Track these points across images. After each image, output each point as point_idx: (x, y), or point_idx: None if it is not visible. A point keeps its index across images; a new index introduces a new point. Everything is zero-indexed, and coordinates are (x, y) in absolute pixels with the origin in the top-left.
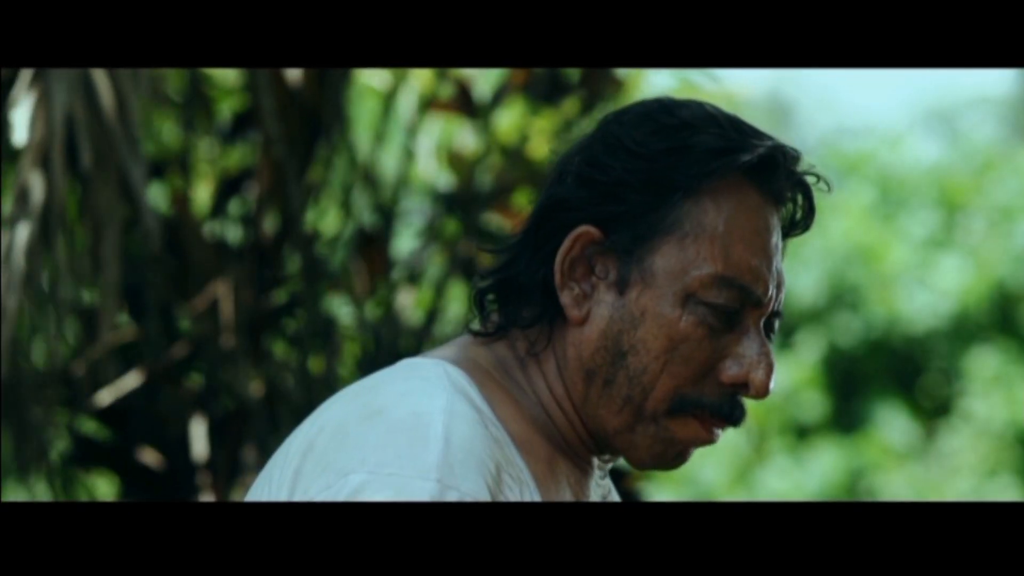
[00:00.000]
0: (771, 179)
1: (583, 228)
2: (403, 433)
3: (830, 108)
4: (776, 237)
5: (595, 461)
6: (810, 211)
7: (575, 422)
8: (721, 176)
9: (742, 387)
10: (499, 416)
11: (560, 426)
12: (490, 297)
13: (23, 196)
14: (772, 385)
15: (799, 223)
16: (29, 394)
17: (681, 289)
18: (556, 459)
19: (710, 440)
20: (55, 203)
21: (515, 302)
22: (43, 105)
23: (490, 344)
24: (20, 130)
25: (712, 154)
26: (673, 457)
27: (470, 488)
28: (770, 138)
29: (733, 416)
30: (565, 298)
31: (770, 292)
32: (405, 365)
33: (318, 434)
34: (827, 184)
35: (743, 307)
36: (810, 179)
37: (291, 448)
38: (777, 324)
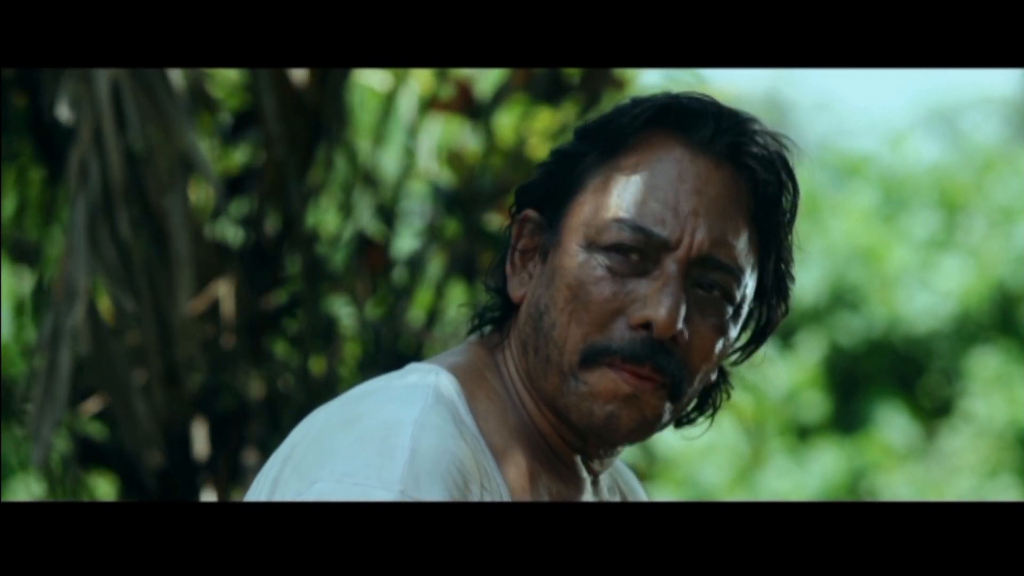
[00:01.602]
0: (692, 128)
1: (523, 213)
2: (372, 442)
3: (828, 109)
4: (705, 186)
5: (582, 469)
6: (771, 167)
7: (544, 409)
8: (635, 132)
9: (649, 328)
10: (481, 428)
11: (539, 423)
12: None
13: (82, 173)
14: (677, 323)
15: (768, 184)
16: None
17: (582, 239)
18: (538, 472)
19: (630, 392)
20: (113, 178)
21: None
22: (87, 82)
23: (492, 342)
24: (66, 109)
25: (624, 114)
26: (604, 418)
27: (433, 498)
28: (730, 109)
29: (652, 358)
30: (512, 282)
31: (681, 235)
32: (405, 371)
33: (301, 440)
34: (779, 142)
35: (653, 251)
36: (779, 146)
37: (278, 454)
38: (728, 283)
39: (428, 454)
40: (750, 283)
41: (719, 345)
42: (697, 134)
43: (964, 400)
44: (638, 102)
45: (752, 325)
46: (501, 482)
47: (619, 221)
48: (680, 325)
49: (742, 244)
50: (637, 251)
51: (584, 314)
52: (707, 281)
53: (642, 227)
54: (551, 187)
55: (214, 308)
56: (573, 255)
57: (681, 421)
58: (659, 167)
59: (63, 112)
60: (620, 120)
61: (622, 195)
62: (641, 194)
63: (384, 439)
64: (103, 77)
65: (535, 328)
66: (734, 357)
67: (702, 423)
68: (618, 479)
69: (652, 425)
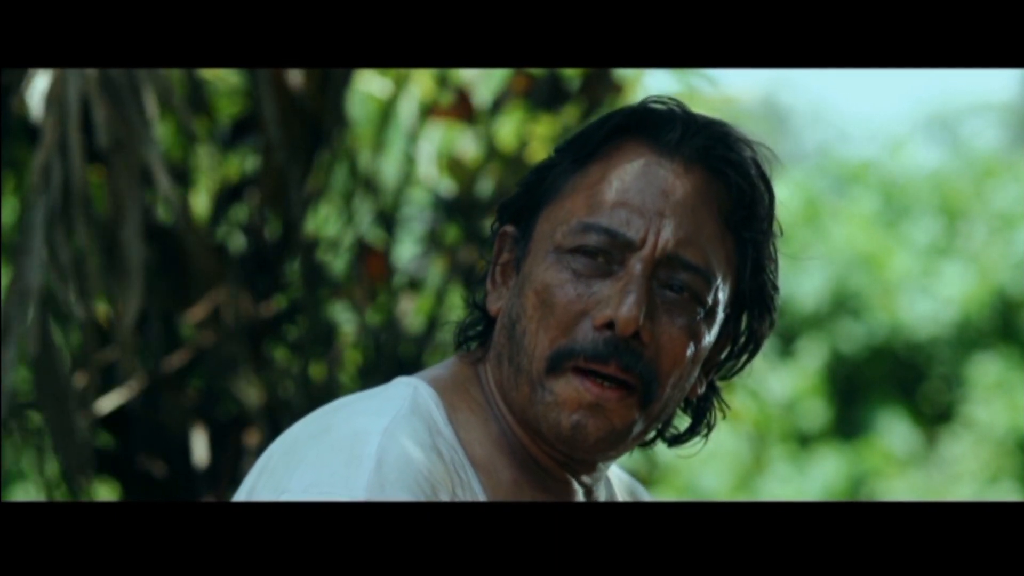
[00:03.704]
0: (660, 132)
1: (502, 229)
2: (339, 452)
3: (827, 115)
4: (672, 187)
5: (572, 482)
6: (743, 172)
7: (522, 423)
8: (605, 139)
9: (612, 327)
10: (461, 439)
11: (520, 436)
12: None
13: (44, 175)
14: (637, 320)
15: (741, 189)
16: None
17: (550, 245)
18: (521, 485)
19: (592, 401)
20: (74, 182)
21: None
22: (58, 85)
23: (475, 357)
24: (36, 109)
25: (597, 124)
26: (571, 428)
27: None
28: (705, 119)
29: (617, 357)
30: (491, 296)
31: (645, 234)
32: (388, 384)
33: (276, 451)
34: (753, 148)
35: (619, 252)
36: (753, 152)
37: (256, 465)
38: (697, 285)
39: (395, 463)
40: (724, 288)
41: (689, 348)
42: (664, 137)
43: (965, 406)
44: (612, 112)
45: (737, 337)
46: (480, 492)
47: (584, 223)
48: (641, 322)
49: (713, 247)
50: (603, 253)
51: (551, 319)
52: (676, 282)
53: (607, 228)
54: (526, 199)
55: (214, 314)
56: (541, 261)
57: (675, 439)
58: (626, 171)
59: (34, 112)
60: (591, 130)
61: (589, 199)
62: (607, 197)
63: (351, 449)
64: (73, 80)
65: (509, 337)
66: (724, 371)
67: (697, 442)
68: (625, 494)
69: (623, 435)
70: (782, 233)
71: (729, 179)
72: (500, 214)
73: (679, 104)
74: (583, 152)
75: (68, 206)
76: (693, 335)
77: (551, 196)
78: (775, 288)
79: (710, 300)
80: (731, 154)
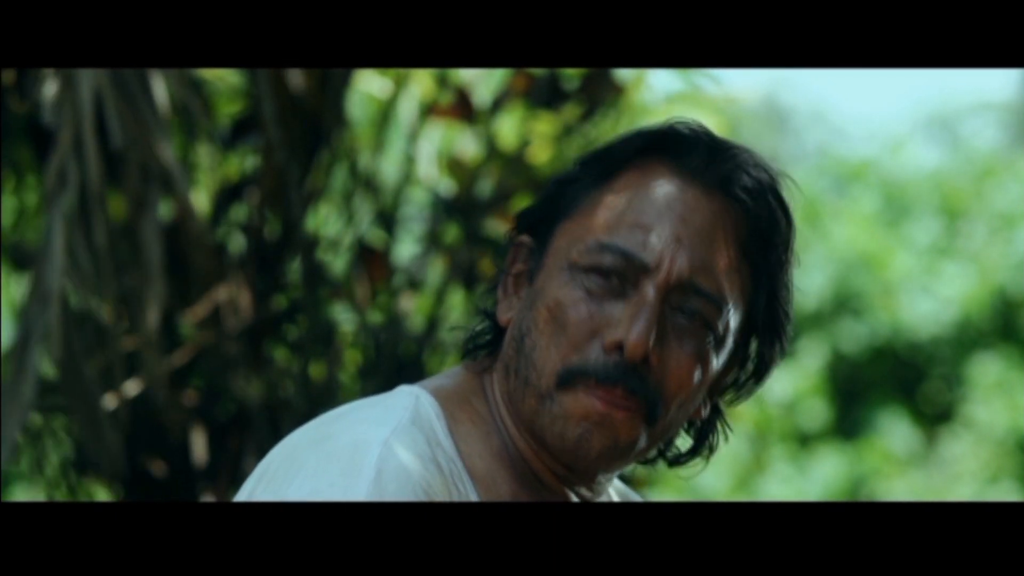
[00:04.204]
0: (684, 156)
1: (517, 239)
2: (339, 461)
3: (827, 115)
4: (692, 213)
5: (571, 496)
6: (763, 200)
7: (527, 437)
8: (628, 158)
9: (621, 350)
10: (461, 452)
11: (522, 449)
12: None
13: (60, 178)
14: (646, 346)
15: (760, 218)
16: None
17: (565, 261)
18: (520, 498)
19: (603, 414)
20: (90, 184)
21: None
22: (70, 87)
23: (481, 366)
24: (48, 111)
25: (621, 142)
26: (576, 439)
27: None
28: (729, 144)
29: (624, 381)
30: (502, 306)
31: (660, 259)
32: (388, 393)
33: (275, 457)
34: (773, 176)
35: (633, 275)
36: (773, 180)
37: (255, 471)
38: (709, 312)
39: (394, 474)
40: (735, 315)
41: (696, 373)
42: (689, 162)
43: (965, 406)
44: (637, 131)
45: (746, 362)
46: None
47: (601, 243)
48: (650, 348)
49: (727, 274)
50: (617, 274)
51: (562, 336)
52: (688, 308)
53: (623, 250)
54: (544, 212)
55: (214, 314)
56: (555, 276)
57: (676, 459)
58: (647, 193)
59: (46, 115)
60: (615, 147)
61: (607, 218)
62: (626, 218)
63: (351, 458)
64: (86, 82)
65: (517, 350)
66: (730, 394)
67: (698, 463)
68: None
69: (626, 451)
70: (800, 263)
71: (748, 208)
72: (518, 223)
73: (705, 129)
74: (605, 169)
75: (86, 207)
76: (701, 361)
77: (570, 211)
78: (787, 317)
79: (721, 327)
80: (752, 183)
